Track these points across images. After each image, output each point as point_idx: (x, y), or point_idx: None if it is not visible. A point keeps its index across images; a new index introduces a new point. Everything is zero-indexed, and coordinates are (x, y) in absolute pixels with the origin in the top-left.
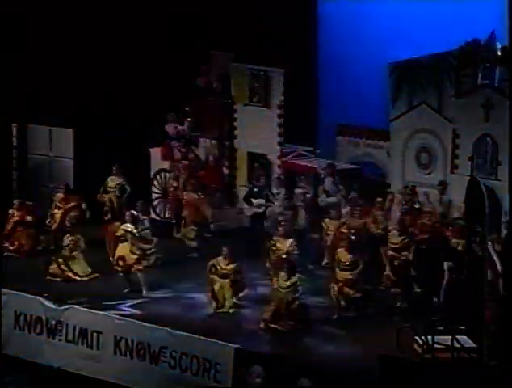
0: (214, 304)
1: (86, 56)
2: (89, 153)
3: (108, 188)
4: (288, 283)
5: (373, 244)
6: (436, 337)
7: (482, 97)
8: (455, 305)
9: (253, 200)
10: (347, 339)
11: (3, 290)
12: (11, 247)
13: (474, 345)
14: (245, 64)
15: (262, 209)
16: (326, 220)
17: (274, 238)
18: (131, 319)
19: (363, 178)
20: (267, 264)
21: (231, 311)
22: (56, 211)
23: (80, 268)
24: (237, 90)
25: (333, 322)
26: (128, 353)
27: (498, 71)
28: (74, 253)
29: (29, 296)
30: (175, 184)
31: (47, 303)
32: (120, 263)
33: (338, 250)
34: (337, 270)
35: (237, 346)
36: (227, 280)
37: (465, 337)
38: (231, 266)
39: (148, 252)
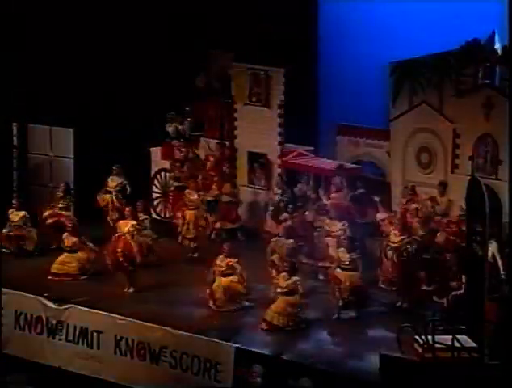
0: (214, 303)
1: (87, 55)
2: (89, 153)
3: (109, 188)
4: (289, 283)
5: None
6: (437, 337)
7: (483, 97)
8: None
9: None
10: (347, 339)
11: (3, 290)
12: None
13: (475, 345)
14: (245, 63)
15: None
16: (327, 221)
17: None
18: (131, 319)
19: (363, 178)
20: (268, 264)
21: (231, 310)
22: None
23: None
24: (238, 89)
25: (333, 322)
26: (128, 353)
27: (499, 71)
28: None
29: (29, 295)
30: (176, 184)
31: (47, 303)
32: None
33: (338, 249)
34: (338, 269)
35: (238, 345)
36: (227, 279)
37: (466, 337)
38: (231, 264)
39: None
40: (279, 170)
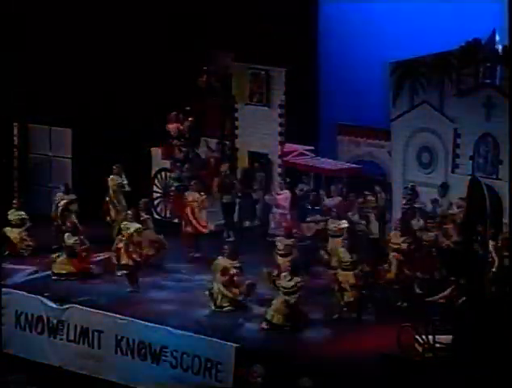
0: (215, 303)
1: (87, 56)
2: (89, 153)
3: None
4: (291, 283)
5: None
6: (437, 336)
7: (483, 96)
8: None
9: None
10: (348, 339)
11: (5, 289)
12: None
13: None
14: (246, 63)
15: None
16: (329, 220)
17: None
18: (132, 318)
19: (363, 177)
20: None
21: (232, 310)
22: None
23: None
24: (238, 89)
25: (334, 322)
26: (129, 352)
27: (499, 70)
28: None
29: (30, 295)
30: (176, 184)
31: (48, 302)
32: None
33: (339, 249)
34: (338, 270)
35: (238, 345)
36: (229, 279)
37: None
38: (233, 264)
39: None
40: (279, 170)
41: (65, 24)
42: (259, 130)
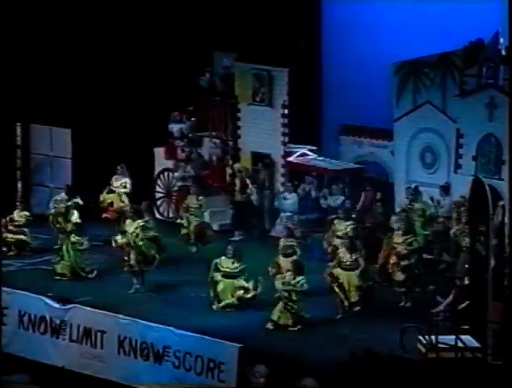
0: (218, 303)
1: (89, 56)
2: (90, 154)
3: (112, 188)
4: (294, 282)
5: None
6: (440, 337)
7: (486, 97)
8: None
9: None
10: (351, 339)
11: (8, 290)
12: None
13: (478, 345)
14: (248, 63)
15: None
16: (335, 220)
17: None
18: (134, 319)
19: (366, 178)
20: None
21: (235, 310)
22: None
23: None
24: (241, 89)
25: (336, 322)
26: (131, 353)
27: (502, 71)
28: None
29: (33, 295)
30: (179, 184)
31: (51, 303)
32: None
33: (340, 250)
34: (339, 269)
35: (241, 345)
36: (232, 280)
37: (469, 337)
38: (236, 265)
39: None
40: (282, 171)
41: (67, 24)
42: (262, 130)
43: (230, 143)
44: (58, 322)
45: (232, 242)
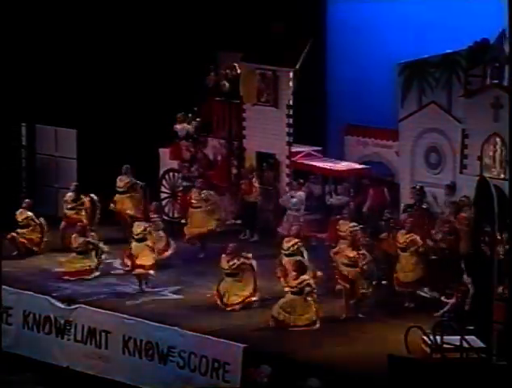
0: (221, 302)
1: (94, 56)
2: (95, 154)
3: (117, 188)
4: (297, 282)
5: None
6: (445, 337)
7: (491, 97)
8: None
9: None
10: (355, 339)
11: (12, 290)
12: None
13: (483, 345)
14: (253, 64)
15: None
16: (340, 221)
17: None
18: (139, 319)
19: (371, 178)
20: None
21: (238, 309)
22: (67, 211)
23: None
24: (246, 89)
25: (341, 322)
26: (136, 353)
27: (507, 71)
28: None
29: (38, 295)
30: (184, 184)
31: (56, 303)
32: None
33: (341, 247)
34: (343, 268)
35: (246, 345)
36: (232, 278)
37: (474, 337)
38: (231, 263)
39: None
40: (287, 171)
41: (72, 24)
42: (267, 130)
43: (235, 143)
44: (63, 322)
45: (236, 241)
